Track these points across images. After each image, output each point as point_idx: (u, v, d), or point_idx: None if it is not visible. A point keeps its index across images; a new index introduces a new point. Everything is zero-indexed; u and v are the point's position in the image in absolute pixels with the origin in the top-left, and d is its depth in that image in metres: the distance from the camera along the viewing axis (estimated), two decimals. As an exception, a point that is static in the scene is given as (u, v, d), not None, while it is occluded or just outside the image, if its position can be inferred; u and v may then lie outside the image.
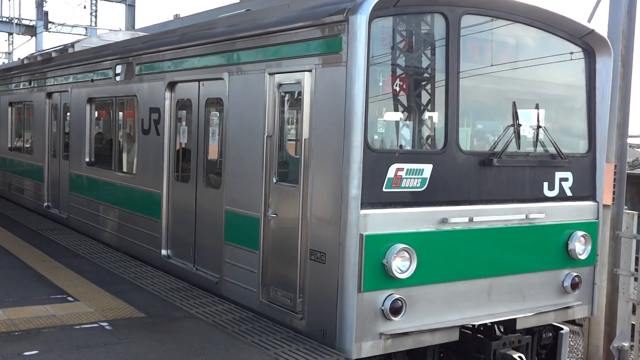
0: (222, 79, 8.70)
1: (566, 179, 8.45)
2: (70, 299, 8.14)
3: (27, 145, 17.28)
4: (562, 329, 8.72)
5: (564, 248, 8.39)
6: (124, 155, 12.53)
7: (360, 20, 6.62)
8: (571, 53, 8.61)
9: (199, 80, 9.36)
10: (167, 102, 10.03)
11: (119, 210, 11.71)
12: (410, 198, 7.13)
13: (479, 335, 7.97)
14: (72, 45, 15.63)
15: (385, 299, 6.90)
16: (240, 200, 8.35)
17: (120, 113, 12.81)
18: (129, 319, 7.43)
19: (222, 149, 8.78)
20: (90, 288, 8.72)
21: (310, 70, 7.22)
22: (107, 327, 7.06)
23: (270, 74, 7.83)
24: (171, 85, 10.02)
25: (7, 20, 42.92)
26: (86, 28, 41.28)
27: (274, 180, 7.79)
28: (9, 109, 18.48)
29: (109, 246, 11.70)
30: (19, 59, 19.60)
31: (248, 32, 8.28)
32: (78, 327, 7.02)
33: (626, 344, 10.47)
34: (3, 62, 44.34)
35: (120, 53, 11.80)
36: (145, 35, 11.89)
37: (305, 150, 7.26)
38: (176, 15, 30.29)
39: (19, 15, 43.20)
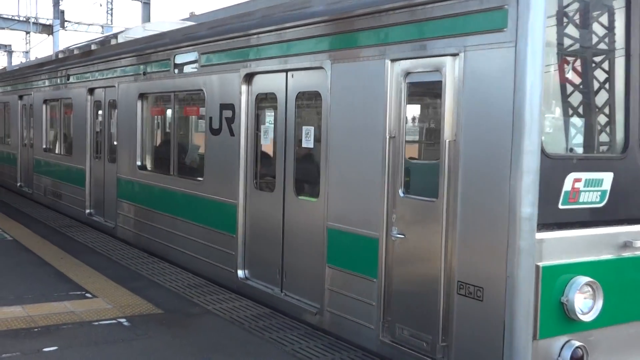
0: (321, 68, 6.87)
1: None
2: (88, 295, 8.00)
3: (65, 146, 15.14)
4: None
5: None
6: (186, 159, 10.65)
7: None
8: None
9: (286, 71, 7.52)
10: (244, 97, 8.16)
11: (180, 221, 9.75)
12: (589, 216, 5.41)
13: None
14: (115, 36, 13.64)
15: (563, 348, 5.20)
16: (349, 215, 6.56)
17: (181, 110, 10.74)
18: (146, 315, 7.29)
19: (322, 153, 6.94)
20: (108, 284, 8.58)
21: (455, 55, 5.45)
22: (125, 324, 6.94)
23: (393, 60, 6.02)
24: (248, 77, 8.15)
25: (25, 19, 42.32)
26: (102, 26, 40.83)
27: (400, 193, 6.01)
28: (43, 106, 16.12)
29: (169, 262, 9.90)
30: (56, 53, 17.66)
31: (362, 9, 6.38)
32: (97, 323, 6.90)
33: None
34: (20, 61, 43.53)
35: (181, 42, 9.78)
36: (213, 21, 9.81)
37: (448, 155, 5.52)
38: (192, 13, 28.93)
39: (36, 14, 42.60)
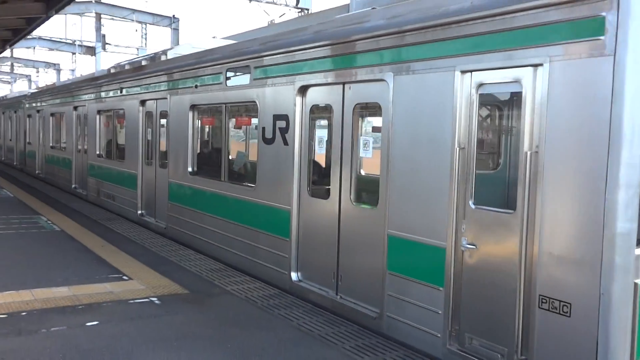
0: (383, 80, 5.85)
1: None
2: (125, 277, 7.83)
3: (118, 152, 13.98)
4: None
5: None
6: (237, 166, 9.70)
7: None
8: None
9: (343, 83, 6.51)
10: (298, 108, 7.14)
11: (232, 224, 8.61)
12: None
13: None
14: (165, 52, 12.56)
15: None
16: (412, 224, 5.55)
17: (232, 120, 9.75)
18: (174, 294, 7.11)
19: (382, 162, 5.92)
20: (142, 268, 8.37)
21: (538, 65, 4.44)
22: (156, 302, 6.79)
23: (464, 71, 5.01)
24: (303, 90, 7.12)
25: (71, 42, 41.51)
26: (137, 48, 39.72)
27: (471, 204, 5.00)
28: (97, 117, 15.05)
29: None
30: (108, 68, 16.52)
31: (431, 21, 5.33)
32: (132, 301, 6.78)
33: None
34: (67, 78, 42.66)
35: (233, 57, 8.68)
36: (265, 37, 8.63)
37: (529, 166, 4.50)
38: (214, 37, 27.98)
39: (81, 37, 41.69)
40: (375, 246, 5.99)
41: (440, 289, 5.22)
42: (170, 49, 12.83)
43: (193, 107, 9.97)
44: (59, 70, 48.44)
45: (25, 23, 19.42)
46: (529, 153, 4.52)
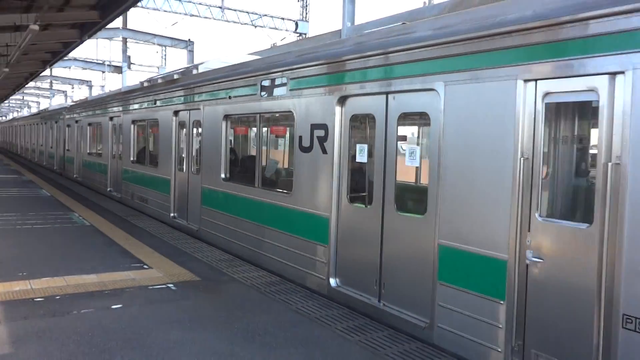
0: (432, 89, 5.08)
1: None
2: (145, 267, 7.71)
3: (151, 159, 13.08)
4: None
5: None
6: (271, 172, 8.91)
7: None
8: None
9: (387, 93, 5.68)
10: (337, 118, 6.34)
11: (267, 229, 7.78)
12: None
13: None
14: (196, 67, 11.76)
15: None
16: (467, 235, 4.73)
17: (266, 129, 9.10)
18: (188, 281, 7.03)
19: (431, 172, 5.13)
20: (161, 259, 8.22)
21: (617, 73, 3.71)
22: (173, 288, 6.72)
23: (527, 80, 4.23)
24: (343, 100, 6.30)
25: (101, 62, 41.19)
26: (158, 67, 39.46)
27: (537, 216, 4.22)
28: (132, 126, 14.20)
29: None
30: (141, 82, 15.99)
31: (492, 30, 4.53)
32: (151, 287, 6.69)
33: None
34: (98, 93, 42.49)
35: (269, 69, 7.85)
36: (301, 50, 8.06)
37: (609, 178, 3.75)
38: (245, 54, 27.80)
39: (110, 58, 41.55)
40: (424, 255, 5.17)
41: (502, 302, 4.43)
42: (201, 63, 11.87)
43: (226, 116, 9.13)
44: (90, 87, 48.10)
45: (63, 47, 19.28)
46: (609, 165, 3.75)
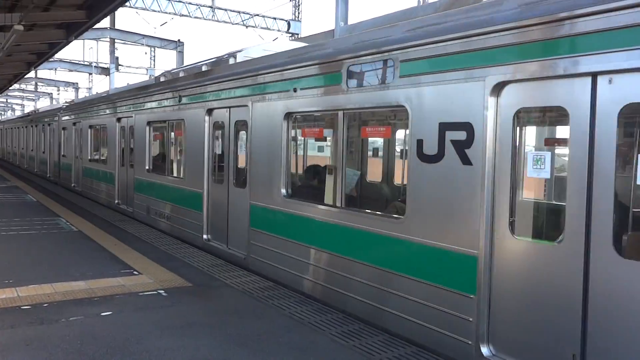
0: None
1: None
2: (135, 272, 7.68)
3: (175, 168, 11.23)
4: None
5: None
6: (361, 189, 7.37)
7: None
8: None
9: (594, 74, 3.86)
10: (491, 114, 4.53)
11: (362, 265, 5.91)
12: None
13: None
14: (233, 55, 9.83)
15: None
16: None
17: (355, 130, 7.24)
18: (179, 287, 6.99)
19: None
20: (151, 264, 8.20)
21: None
22: (164, 294, 6.69)
23: None
24: (499, 87, 4.51)
25: (88, 63, 40.89)
26: (147, 69, 39.57)
27: None
28: (147, 128, 12.11)
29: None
30: (157, 77, 13.87)
31: None
32: (142, 294, 6.66)
33: None
34: (85, 95, 42.34)
35: (361, 50, 5.95)
36: (412, 22, 5.95)
37: None
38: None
39: (97, 59, 41.40)
40: None
41: None
42: (239, 51, 10.04)
43: (289, 115, 7.23)
44: (77, 89, 48.03)
45: (48, 47, 19.15)
46: None
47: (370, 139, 8.30)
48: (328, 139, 7.77)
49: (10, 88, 38.16)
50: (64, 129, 20.99)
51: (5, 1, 12.35)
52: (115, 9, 13.92)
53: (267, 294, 6.78)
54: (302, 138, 8.69)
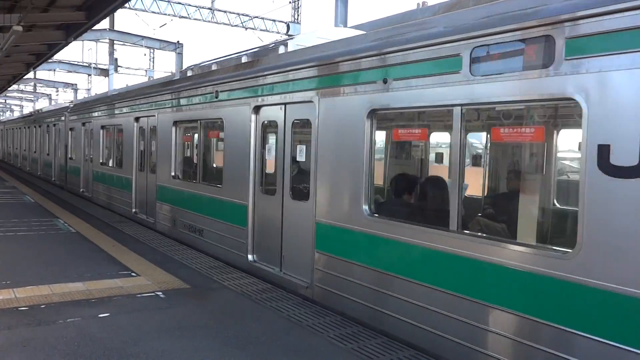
0: None
1: None
2: (133, 274, 7.67)
3: (208, 175, 9.93)
4: None
5: None
6: (492, 208, 5.97)
7: None
8: None
9: None
10: None
11: (496, 310, 4.51)
12: None
13: None
14: (283, 44, 8.68)
15: None
16: None
17: (480, 133, 6.20)
18: (178, 289, 6.99)
19: None
20: (149, 266, 8.18)
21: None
22: (162, 296, 6.67)
23: None
24: None
25: (87, 64, 41.04)
26: (146, 70, 39.73)
27: None
28: (173, 129, 10.69)
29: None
30: (184, 70, 12.39)
31: None
32: (139, 295, 6.65)
33: None
34: (84, 96, 42.36)
35: (497, 25, 4.56)
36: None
37: None
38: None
39: (96, 60, 41.54)
40: None
41: None
42: (290, 38, 9.04)
43: (374, 112, 5.83)
44: (76, 90, 48.08)
45: (47, 48, 19.15)
46: None
47: (514, 143, 5.97)
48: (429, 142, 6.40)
49: (9, 89, 38.16)
50: (71, 129, 19.67)
51: (5, 2, 12.36)
52: (115, 10, 13.94)
53: (265, 296, 6.77)
54: (395, 141, 7.25)
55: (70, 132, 19.72)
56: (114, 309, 6.05)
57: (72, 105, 21.22)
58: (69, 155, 19.86)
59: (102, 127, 15.72)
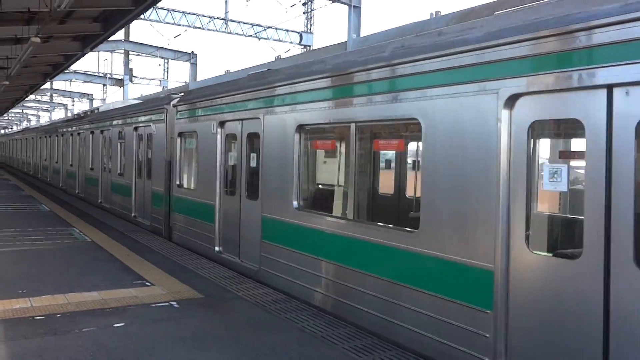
0: None
1: None
2: (148, 284, 7.68)
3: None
4: None
5: None
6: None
7: None
8: None
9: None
10: None
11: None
12: None
13: None
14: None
15: None
16: None
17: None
18: (192, 299, 6.98)
19: None
20: (163, 275, 8.19)
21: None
22: (176, 305, 6.67)
23: None
24: None
25: (102, 75, 41.44)
26: (160, 80, 40.04)
27: None
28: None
29: None
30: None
31: None
32: (154, 305, 6.65)
33: None
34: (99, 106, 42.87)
35: None
36: None
37: None
38: (227, 70, 28.13)
39: (111, 71, 41.90)
40: None
41: None
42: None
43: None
44: (91, 100, 48.61)
45: (64, 59, 19.46)
46: None
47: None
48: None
49: (25, 99, 38.69)
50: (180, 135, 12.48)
51: (23, 14, 12.56)
52: (130, 21, 14.11)
53: (279, 306, 6.75)
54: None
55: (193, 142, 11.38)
56: (128, 319, 6.05)
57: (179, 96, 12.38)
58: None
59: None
